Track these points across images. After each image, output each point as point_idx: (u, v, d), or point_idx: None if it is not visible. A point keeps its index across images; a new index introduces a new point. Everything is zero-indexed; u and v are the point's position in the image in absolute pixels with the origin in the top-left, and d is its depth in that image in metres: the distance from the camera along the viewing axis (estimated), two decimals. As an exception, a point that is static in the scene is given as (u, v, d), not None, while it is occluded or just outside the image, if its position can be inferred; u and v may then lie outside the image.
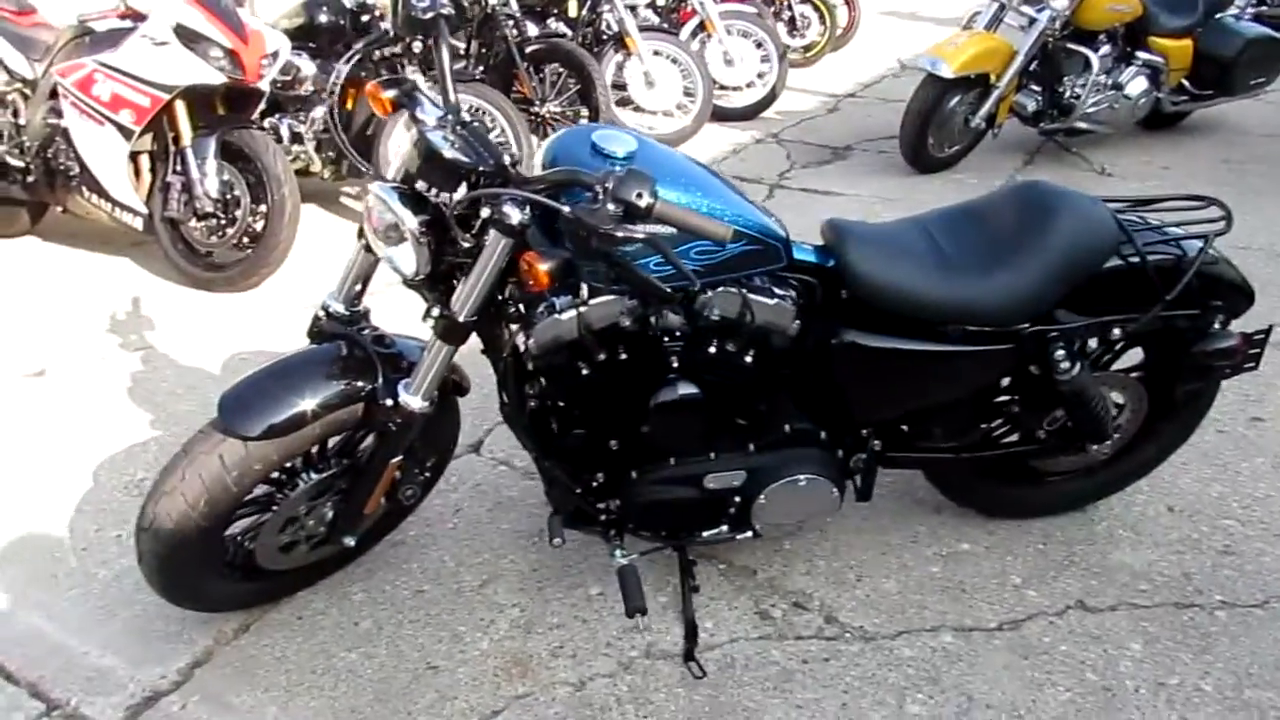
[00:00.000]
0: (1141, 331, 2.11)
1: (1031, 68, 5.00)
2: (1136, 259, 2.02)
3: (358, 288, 2.06)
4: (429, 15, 1.97)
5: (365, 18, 4.42)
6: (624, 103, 5.62)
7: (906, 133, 4.98)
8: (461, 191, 1.76)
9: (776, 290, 1.96)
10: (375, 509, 2.13)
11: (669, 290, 1.75)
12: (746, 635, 2.20)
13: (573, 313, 1.85)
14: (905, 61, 7.63)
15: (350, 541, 2.15)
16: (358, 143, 4.46)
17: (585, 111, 5.09)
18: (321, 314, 2.06)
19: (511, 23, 5.09)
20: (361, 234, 1.96)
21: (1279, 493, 2.61)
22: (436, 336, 1.85)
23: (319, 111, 4.41)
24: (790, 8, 7.31)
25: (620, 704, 2.04)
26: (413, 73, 4.25)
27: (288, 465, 2.01)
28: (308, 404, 1.88)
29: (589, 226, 1.58)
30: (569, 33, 5.60)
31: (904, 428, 2.20)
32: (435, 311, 1.83)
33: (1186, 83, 5.35)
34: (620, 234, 1.57)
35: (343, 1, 4.45)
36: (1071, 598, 2.28)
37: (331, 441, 2.08)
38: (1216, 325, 2.09)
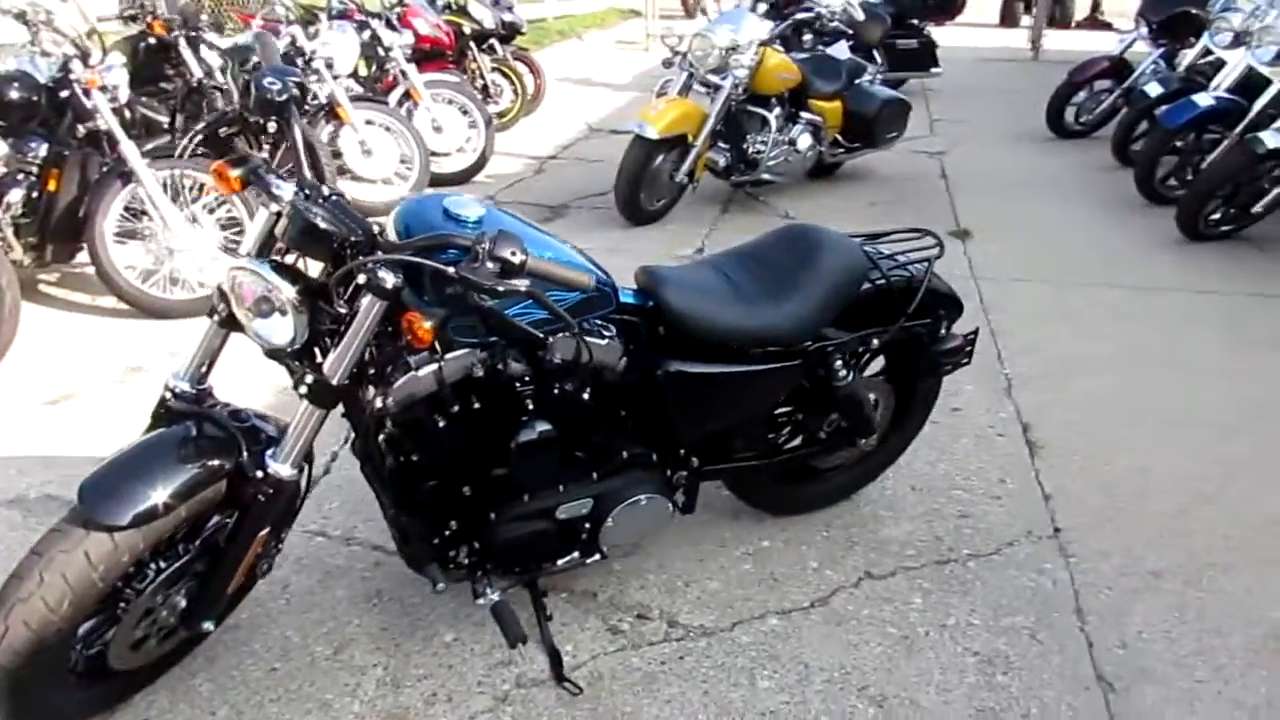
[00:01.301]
0: (890, 340, 2.57)
1: (719, 128, 5.64)
2: (882, 282, 2.49)
3: (204, 366, 2.06)
4: (282, 98, 2.03)
5: (64, 93, 4.16)
6: (341, 171, 5.63)
7: (621, 189, 5.44)
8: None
9: (605, 332, 2.20)
10: (234, 586, 2.11)
11: (540, 335, 1.95)
12: (605, 650, 2.40)
13: (431, 368, 1.99)
14: (593, 124, 8.25)
15: (210, 626, 2.11)
16: (61, 226, 4.20)
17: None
18: (168, 394, 2.03)
19: (219, 95, 4.99)
20: (214, 311, 1.98)
21: (986, 464, 3.22)
22: (310, 402, 1.91)
23: (16, 194, 4.10)
24: (482, 75, 7.66)
25: (509, 733, 2.16)
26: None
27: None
28: (174, 485, 1.85)
29: (474, 284, 1.74)
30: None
31: (716, 444, 2.51)
32: (307, 379, 1.89)
33: (840, 137, 6.26)
34: (502, 288, 1.75)
35: (36, 78, 4.17)
36: (860, 570, 2.69)
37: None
38: (944, 331, 2.61)
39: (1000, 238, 5.52)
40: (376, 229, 1.92)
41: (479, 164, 6.57)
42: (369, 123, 5.75)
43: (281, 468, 1.94)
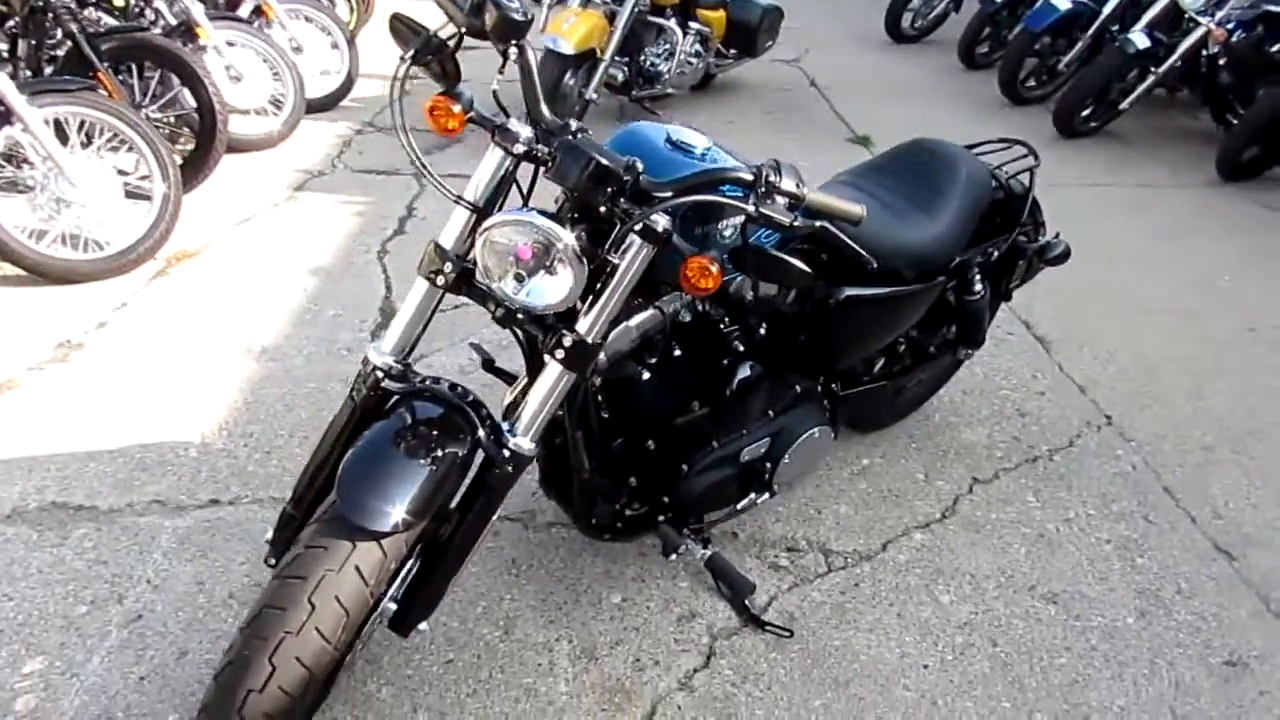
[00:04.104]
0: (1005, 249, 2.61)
1: (620, 41, 5.43)
2: (1002, 194, 2.51)
3: (414, 337, 1.78)
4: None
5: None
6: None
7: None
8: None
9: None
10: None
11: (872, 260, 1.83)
12: (780, 590, 2.35)
13: (644, 315, 1.84)
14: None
15: (425, 627, 1.87)
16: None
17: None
18: (379, 374, 1.74)
19: (68, 13, 4.24)
20: (438, 274, 1.71)
21: (1013, 363, 3.38)
22: (565, 367, 1.69)
23: None
24: (315, -12, 6.95)
25: (739, 686, 2.09)
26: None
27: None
28: (431, 477, 1.61)
29: (777, 223, 1.59)
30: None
31: (855, 369, 2.48)
32: (565, 341, 1.67)
33: (722, 48, 6.20)
34: (801, 225, 1.62)
35: None
36: (966, 477, 2.78)
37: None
38: (1043, 236, 2.68)
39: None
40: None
41: (346, 86, 6.00)
42: (230, 44, 5.11)
43: (523, 441, 1.73)
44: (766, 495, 2.32)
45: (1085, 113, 5.73)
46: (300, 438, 2.82)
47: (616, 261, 1.64)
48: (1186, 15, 5.51)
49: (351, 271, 3.87)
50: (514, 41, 1.70)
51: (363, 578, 1.54)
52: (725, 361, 2.07)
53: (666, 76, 5.76)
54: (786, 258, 1.79)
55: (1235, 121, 5.56)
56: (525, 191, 1.76)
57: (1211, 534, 2.58)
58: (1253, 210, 4.82)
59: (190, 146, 4.48)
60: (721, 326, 2.01)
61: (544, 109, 1.74)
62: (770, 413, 2.23)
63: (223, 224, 4.23)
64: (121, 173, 3.86)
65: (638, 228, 1.60)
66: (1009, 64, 6.32)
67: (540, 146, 1.69)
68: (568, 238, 1.57)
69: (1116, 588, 2.39)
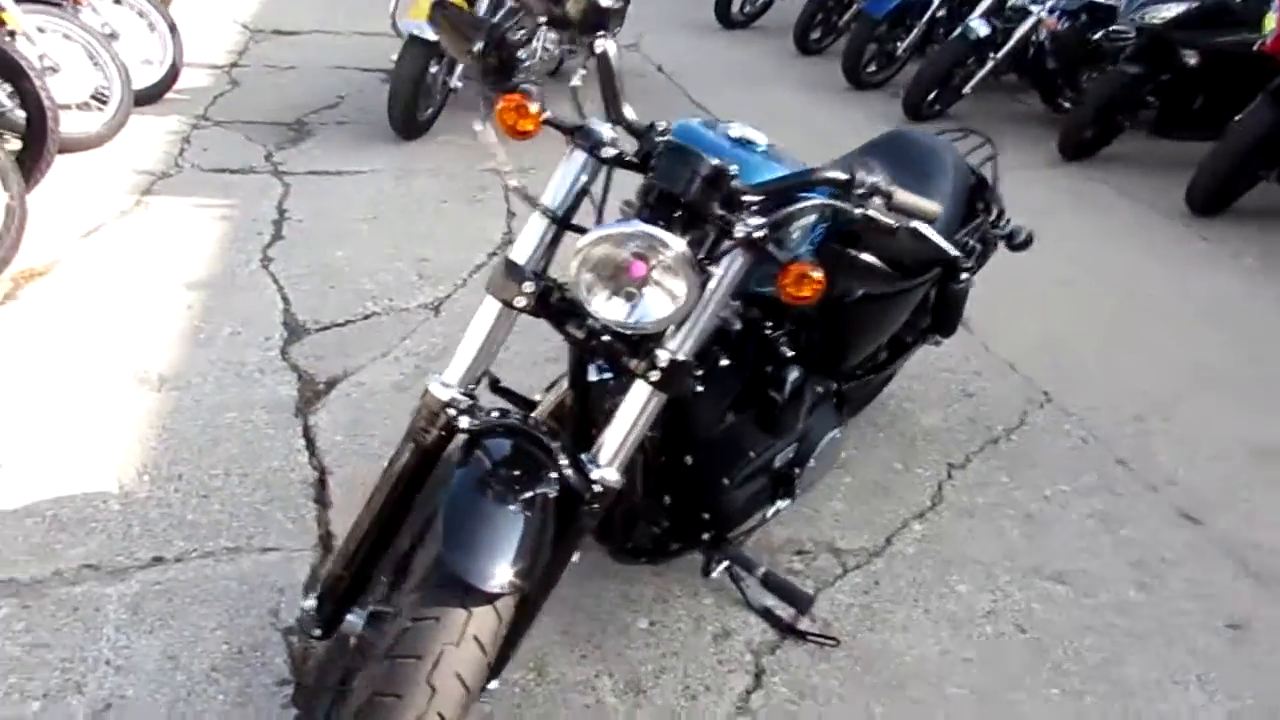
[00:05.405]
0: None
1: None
2: (974, 182, 2.53)
3: (484, 366, 1.57)
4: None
5: None
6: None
7: (400, 100, 4.82)
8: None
9: None
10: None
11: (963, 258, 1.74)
12: (803, 597, 2.28)
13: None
14: (246, 24, 7.14)
15: (496, 684, 1.67)
16: None
17: (21, 113, 3.88)
18: (451, 411, 1.52)
19: None
20: (518, 296, 1.51)
21: (950, 345, 3.42)
22: (656, 389, 1.54)
23: None
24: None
25: (799, 704, 2.01)
26: None
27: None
28: (529, 525, 1.43)
29: (883, 225, 1.52)
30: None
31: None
32: (660, 361, 1.52)
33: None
34: (896, 224, 1.55)
35: None
36: (940, 463, 2.81)
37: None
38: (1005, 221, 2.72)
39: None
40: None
41: (171, 76, 5.42)
42: (41, 30, 4.50)
43: (608, 472, 1.56)
44: (788, 501, 2.24)
45: (930, 96, 5.97)
46: (239, 475, 2.50)
47: (713, 271, 1.51)
48: (1014, 4, 5.84)
49: (237, 284, 3.48)
50: (601, 33, 1.52)
51: (482, 648, 1.35)
52: (768, 368, 1.96)
53: (527, 64, 5.55)
54: (872, 259, 1.72)
55: (1068, 104, 5.96)
56: (600, 200, 1.58)
57: (1175, 501, 2.72)
58: (1101, 190, 5.17)
59: (15, 148, 3.90)
60: (767, 332, 1.91)
61: (626, 108, 1.57)
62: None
63: (68, 236, 3.72)
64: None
65: (739, 234, 1.48)
66: (852, 50, 6.51)
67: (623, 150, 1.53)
68: (682, 247, 1.42)
69: (1111, 562, 2.47)
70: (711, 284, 1.51)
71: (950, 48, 5.79)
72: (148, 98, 5.29)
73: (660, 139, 1.49)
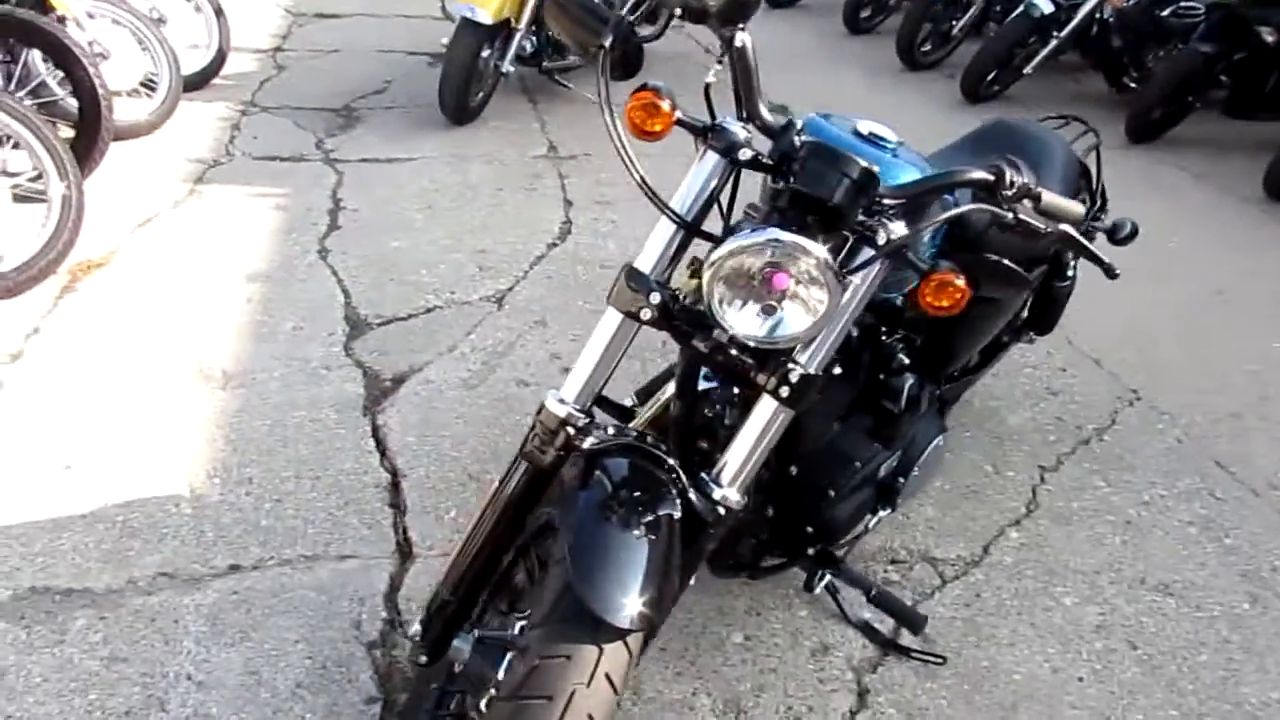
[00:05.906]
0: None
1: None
2: (1082, 172, 2.41)
3: (603, 381, 1.47)
4: None
5: None
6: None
7: (451, 85, 4.72)
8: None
9: None
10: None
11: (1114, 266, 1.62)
12: (903, 609, 2.18)
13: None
14: (288, 8, 7.07)
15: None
16: None
17: (73, 101, 3.83)
18: (569, 429, 1.43)
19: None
20: (643, 309, 1.40)
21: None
22: (784, 404, 1.44)
23: None
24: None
25: (908, 725, 1.91)
26: None
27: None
28: (655, 552, 1.34)
29: (1034, 229, 1.42)
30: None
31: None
32: (791, 376, 1.42)
33: (626, 16, 5.94)
34: (1046, 228, 1.44)
35: None
36: (1032, 466, 2.69)
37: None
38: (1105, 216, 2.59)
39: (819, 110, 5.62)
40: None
41: (218, 62, 5.36)
42: (90, 16, 4.43)
43: (730, 493, 1.47)
44: (889, 511, 2.14)
45: (989, 77, 5.80)
46: (310, 478, 2.43)
47: (851, 281, 1.40)
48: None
49: (296, 276, 3.41)
50: (740, 25, 1.41)
51: (613, 686, 1.26)
52: (881, 375, 1.86)
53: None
54: (1010, 263, 1.62)
55: (1133, 85, 5.77)
56: (728, 204, 1.47)
57: (1278, 506, 2.59)
58: (1173, 174, 5.00)
59: (70, 136, 3.84)
60: (883, 338, 1.81)
61: (762, 106, 1.46)
62: (906, 424, 2.05)
63: (123, 226, 3.66)
64: (6, 174, 3.25)
65: (882, 241, 1.37)
66: (907, 30, 6.33)
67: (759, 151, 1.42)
68: (826, 255, 1.31)
69: (1219, 572, 2.35)
70: (848, 294, 1.41)
71: (1012, 26, 5.61)
72: (195, 83, 5.23)
73: (801, 139, 1.38)
